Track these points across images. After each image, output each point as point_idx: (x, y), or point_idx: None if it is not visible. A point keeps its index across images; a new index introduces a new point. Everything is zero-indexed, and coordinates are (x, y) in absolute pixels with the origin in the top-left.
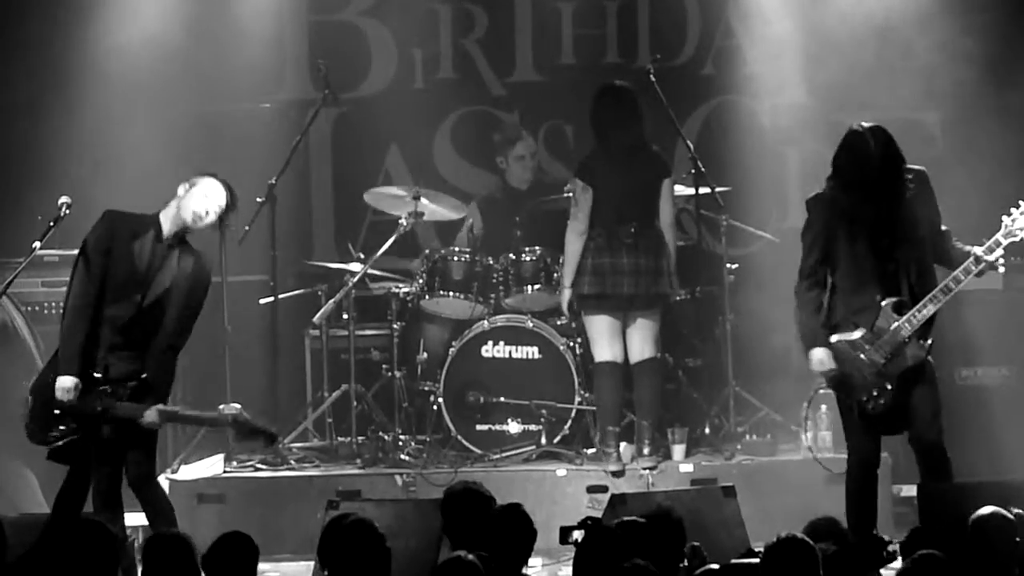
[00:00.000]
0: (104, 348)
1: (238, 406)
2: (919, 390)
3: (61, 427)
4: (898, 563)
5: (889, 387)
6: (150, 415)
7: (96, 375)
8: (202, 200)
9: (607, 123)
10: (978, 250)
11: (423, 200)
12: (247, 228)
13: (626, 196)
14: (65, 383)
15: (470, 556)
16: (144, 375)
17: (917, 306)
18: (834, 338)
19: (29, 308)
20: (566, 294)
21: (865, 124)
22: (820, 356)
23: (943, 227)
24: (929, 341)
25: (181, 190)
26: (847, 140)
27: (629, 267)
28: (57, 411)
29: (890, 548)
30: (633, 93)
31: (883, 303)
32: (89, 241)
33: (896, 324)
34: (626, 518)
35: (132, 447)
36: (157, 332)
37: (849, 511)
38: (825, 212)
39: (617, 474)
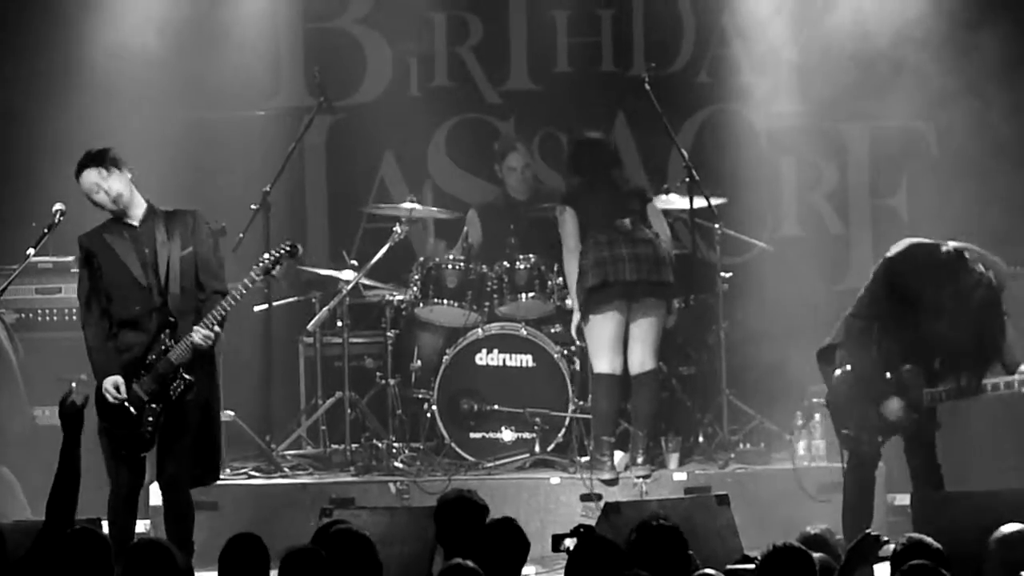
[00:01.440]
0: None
1: (231, 413)
2: (921, 426)
3: (149, 418)
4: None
5: (880, 440)
6: (197, 333)
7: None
8: (97, 200)
9: (586, 169)
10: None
11: (419, 206)
12: (241, 235)
13: (614, 212)
14: (108, 383)
15: (470, 563)
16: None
17: (948, 389)
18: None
19: (23, 315)
20: (576, 317)
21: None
22: (898, 409)
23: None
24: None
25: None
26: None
27: (629, 255)
28: (127, 407)
29: (886, 547)
30: (610, 145)
31: (914, 368)
32: (79, 277)
33: (921, 392)
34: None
35: (170, 446)
36: (189, 301)
37: (845, 509)
38: (899, 282)
39: (610, 483)
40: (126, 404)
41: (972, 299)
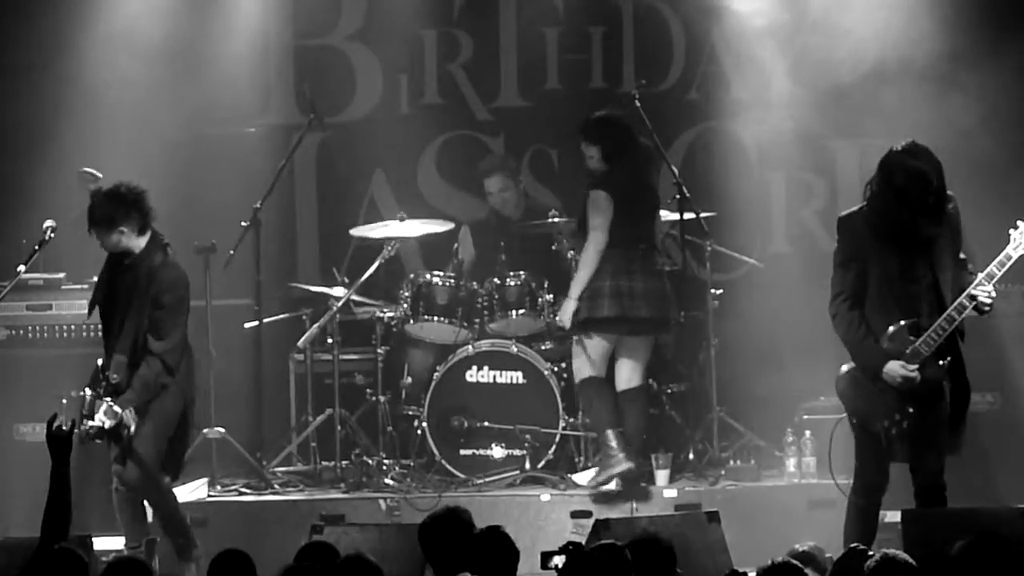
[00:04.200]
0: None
1: (222, 430)
2: (931, 419)
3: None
4: None
5: (911, 410)
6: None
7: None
8: (108, 242)
9: (623, 147)
10: (979, 280)
11: (409, 223)
12: (231, 252)
13: (642, 215)
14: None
15: None
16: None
17: (932, 327)
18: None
19: (13, 331)
20: (572, 304)
21: (905, 146)
22: (898, 370)
23: (961, 255)
24: (947, 359)
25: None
26: (886, 159)
27: (643, 291)
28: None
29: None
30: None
31: (898, 325)
32: None
33: (912, 346)
34: (611, 542)
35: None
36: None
37: (847, 532)
38: (857, 233)
39: (627, 474)
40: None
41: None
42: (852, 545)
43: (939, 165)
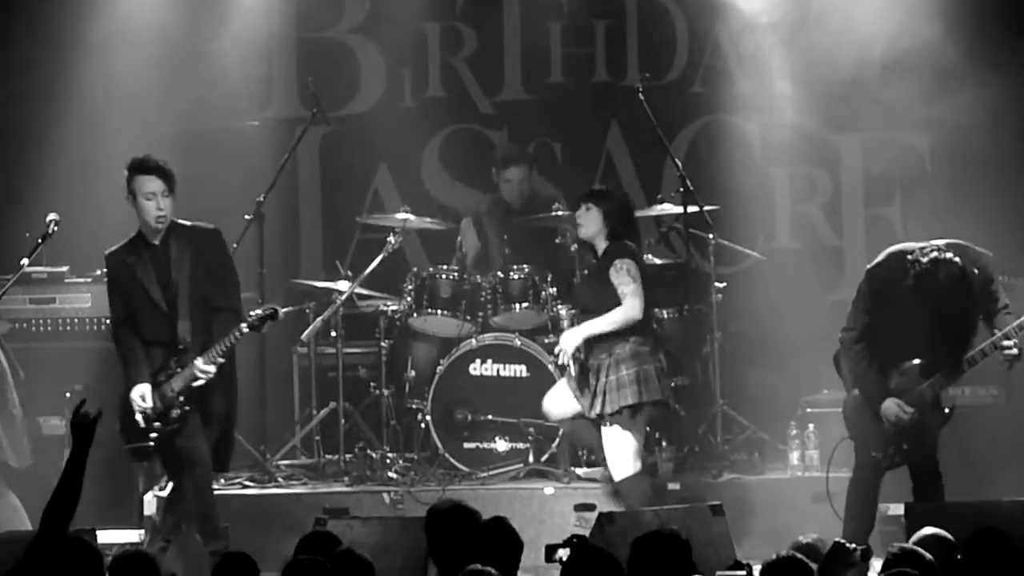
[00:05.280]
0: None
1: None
2: (924, 446)
3: (152, 434)
4: (876, 563)
5: (906, 447)
6: (196, 367)
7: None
8: (148, 206)
9: (630, 216)
10: (998, 335)
11: (412, 217)
12: (235, 246)
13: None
14: (135, 393)
15: (492, 570)
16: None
17: (945, 377)
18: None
19: (17, 325)
20: (580, 338)
21: (933, 260)
22: (894, 408)
23: (1001, 302)
24: (947, 411)
25: (129, 200)
26: (920, 273)
27: (658, 371)
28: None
29: (856, 553)
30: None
31: (912, 364)
32: (109, 297)
33: (919, 388)
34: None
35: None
36: (199, 321)
37: (847, 516)
38: (884, 289)
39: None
40: (149, 413)
41: (942, 284)
42: (835, 540)
43: (962, 272)
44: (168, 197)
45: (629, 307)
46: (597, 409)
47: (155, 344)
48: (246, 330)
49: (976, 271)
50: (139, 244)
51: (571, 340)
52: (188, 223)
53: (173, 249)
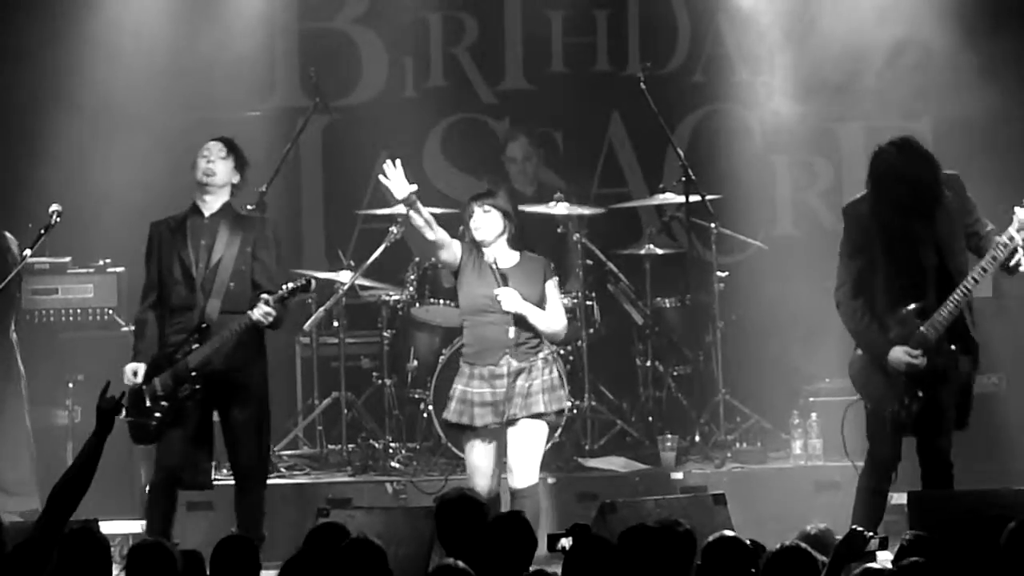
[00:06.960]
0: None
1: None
2: (941, 401)
3: (156, 413)
4: (887, 555)
5: (920, 394)
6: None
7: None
8: (200, 161)
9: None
10: (989, 255)
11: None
12: None
13: None
14: (128, 368)
15: (460, 564)
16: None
17: (938, 311)
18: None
19: (19, 315)
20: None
21: (893, 142)
22: (902, 356)
23: (987, 227)
24: (951, 347)
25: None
26: (875, 161)
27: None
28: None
29: (872, 543)
30: None
31: (905, 310)
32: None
33: (918, 331)
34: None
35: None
36: (236, 303)
37: (856, 511)
38: (862, 222)
39: None
40: (143, 390)
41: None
42: (852, 527)
43: (929, 159)
44: (225, 161)
45: (562, 326)
46: (535, 409)
47: (179, 311)
48: (275, 303)
49: (949, 193)
50: (188, 215)
51: (515, 304)
52: (243, 211)
53: (222, 228)
